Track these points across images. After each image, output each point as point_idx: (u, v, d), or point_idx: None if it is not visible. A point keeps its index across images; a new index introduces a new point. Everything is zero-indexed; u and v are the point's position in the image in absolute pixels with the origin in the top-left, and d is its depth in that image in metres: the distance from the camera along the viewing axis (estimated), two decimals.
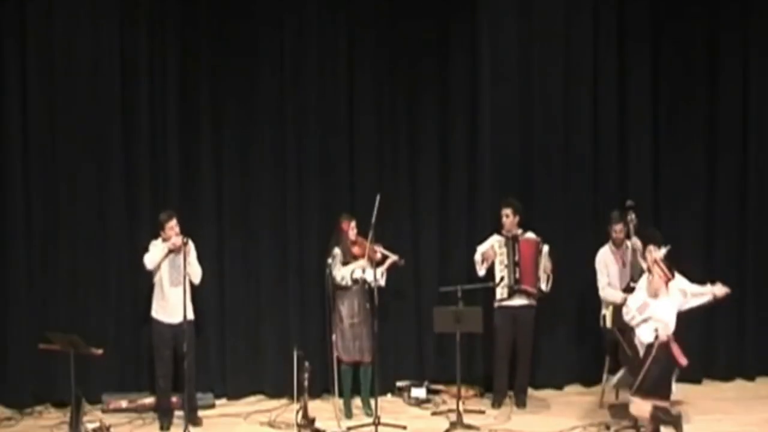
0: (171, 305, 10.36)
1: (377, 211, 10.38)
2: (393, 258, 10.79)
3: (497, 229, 11.16)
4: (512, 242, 11.05)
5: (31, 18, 11.01)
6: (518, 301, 11.04)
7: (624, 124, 12.02)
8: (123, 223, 11.21)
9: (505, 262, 11.03)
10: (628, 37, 11.96)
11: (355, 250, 10.77)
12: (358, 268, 10.71)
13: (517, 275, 11.01)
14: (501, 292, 11.02)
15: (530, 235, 11.15)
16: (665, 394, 9.50)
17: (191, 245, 10.44)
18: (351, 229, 10.79)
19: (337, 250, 10.76)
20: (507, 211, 11.07)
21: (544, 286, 11.08)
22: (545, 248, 11.09)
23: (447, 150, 11.82)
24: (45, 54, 11.06)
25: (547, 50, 11.85)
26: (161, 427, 10.50)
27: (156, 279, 10.47)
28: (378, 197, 10.40)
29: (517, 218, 11.07)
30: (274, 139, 11.51)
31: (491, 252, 11.06)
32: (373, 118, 11.69)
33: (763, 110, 12.09)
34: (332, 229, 11.05)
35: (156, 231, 10.48)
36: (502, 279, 11.00)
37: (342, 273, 10.70)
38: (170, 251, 10.33)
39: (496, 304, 11.05)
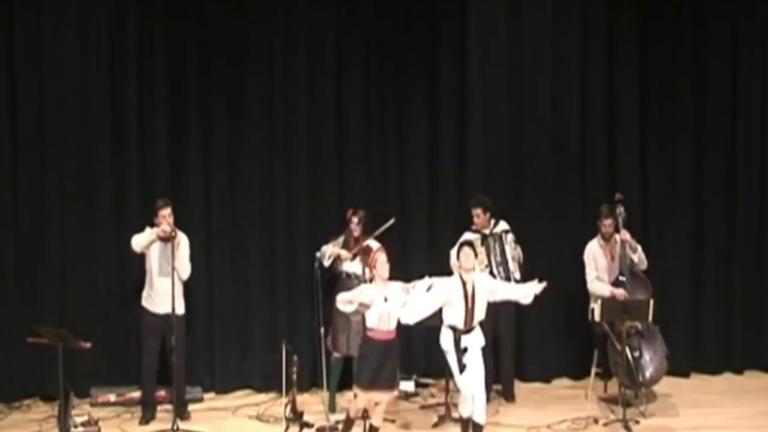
0: (159, 295, 10.34)
1: (384, 230, 10.54)
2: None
3: (467, 226, 11.11)
4: (492, 241, 10.98)
5: (20, 17, 11.03)
6: None
7: (612, 122, 12.05)
8: (111, 218, 11.22)
9: (485, 261, 10.98)
10: (616, 35, 12.02)
11: (352, 244, 10.76)
12: (334, 251, 10.71)
13: (507, 274, 11.01)
14: None
15: (503, 225, 11.08)
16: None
17: (185, 242, 10.41)
18: (351, 222, 10.78)
19: (341, 238, 10.84)
20: (477, 212, 10.99)
21: (518, 276, 10.89)
22: (509, 237, 10.99)
23: (436, 149, 11.85)
24: (34, 52, 11.07)
25: (536, 50, 11.90)
26: (140, 421, 10.48)
27: (147, 267, 10.46)
28: (392, 220, 10.58)
29: (488, 215, 11.01)
30: (263, 138, 11.54)
31: None
32: (362, 117, 11.72)
33: (751, 107, 12.12)
34: (320, 225, 11.29)
35: (145, 224, 10.49)
36: None
37: (323, 250, 10.71)
38: (159, 238, 10.29)
39: None
